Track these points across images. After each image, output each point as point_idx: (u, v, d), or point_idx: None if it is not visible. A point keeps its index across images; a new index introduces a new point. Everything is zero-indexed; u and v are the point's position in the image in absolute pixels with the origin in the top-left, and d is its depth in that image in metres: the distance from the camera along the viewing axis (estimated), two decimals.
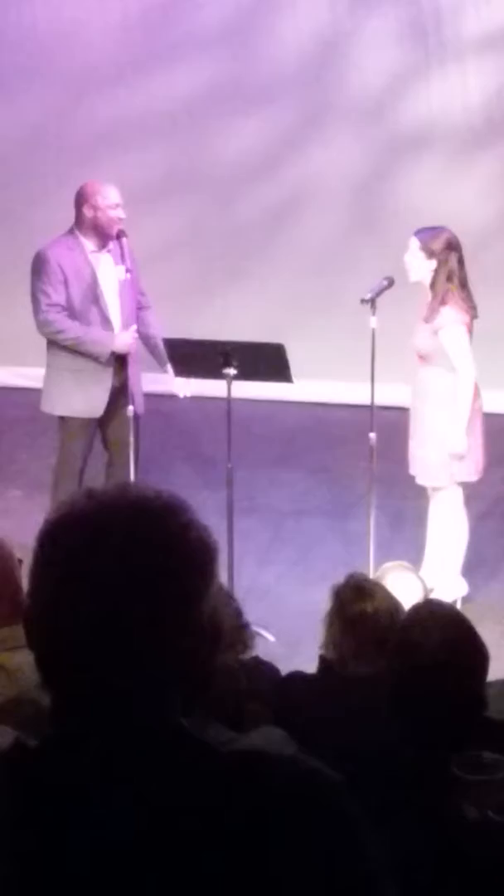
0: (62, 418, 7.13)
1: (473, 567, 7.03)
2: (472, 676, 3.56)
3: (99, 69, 9.98)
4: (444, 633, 3.58)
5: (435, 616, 3.68)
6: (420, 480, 6.92)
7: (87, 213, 6.93)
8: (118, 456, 7.09)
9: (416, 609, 3.89)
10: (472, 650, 3.61)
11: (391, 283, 6.78)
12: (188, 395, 7.13)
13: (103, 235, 6.95)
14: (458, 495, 6.87)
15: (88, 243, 6.97)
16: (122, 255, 6.93)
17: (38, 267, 6.96)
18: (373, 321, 6.65)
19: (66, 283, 6.92)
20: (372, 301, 6.66)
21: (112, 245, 6.97)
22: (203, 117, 9.95)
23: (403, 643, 3.67)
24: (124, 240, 6.93)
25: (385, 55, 9.72)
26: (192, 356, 6.86)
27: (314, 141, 9.90)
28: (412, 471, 6.90)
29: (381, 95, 9.79)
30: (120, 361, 6.95)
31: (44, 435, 8.16)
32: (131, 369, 6.98)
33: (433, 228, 6.74)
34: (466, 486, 6.88)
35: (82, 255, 6.96)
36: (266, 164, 10.01)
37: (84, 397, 7.01)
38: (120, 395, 6.96)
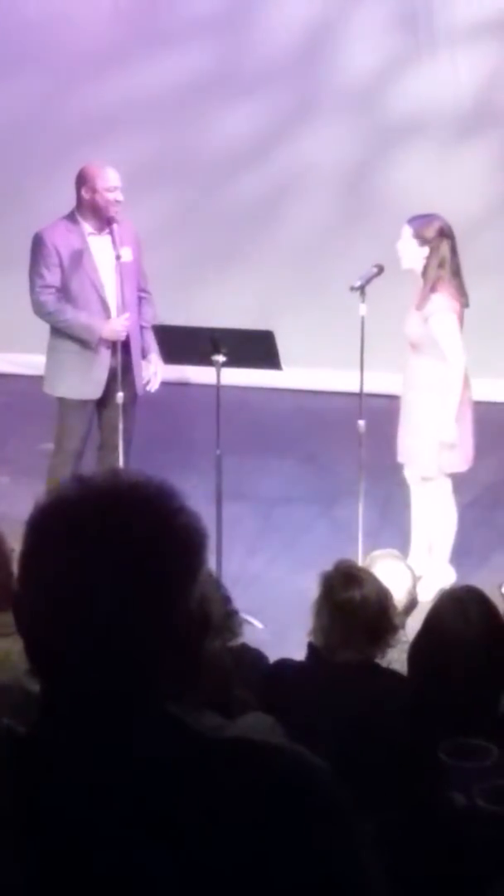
0: (60, 399, 7.17)
1: (461, 555, 7.05)
2: (500, 670, 3.59)
3: (89, 55, 9.95)
4: (484, 623, 3.59)
5: (477, 603, 3.70)
6: (409, 469, 6.94)
7: (86, 195, 6.94)
8: (109, 440, 7.12)
9: (452, 596, 3.90)
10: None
11: (381, 270, 6.78)
12: (152, 390, 7.16)
13: (101, 218, 6.96)
14: (448, 485, 6.89)
15: (87, 226, 6.99)
16: (113, 241, 6.93)
17: (35, 248, 7.01)
18: (362, 309, 6.65)
19: (61, 265, 6.95)
20: (361, 288, 6.66)
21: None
22: (193, 105, 9.92)
23: (436, 629, 3.68)
24: (115, 226, 6.94)
25: (376, 43, 9.70)
26: (182, 343, 6.87)
27: (305, 129, 9.88)
28: (400, 459, 6.91)
29: (372, 84, 9.77)
30: (118, 345, 6.96)
31: (33, 422, 8.15)
32: (133, 353, 7.01)
33: (426, 216, 6.75)
34: (455, 475, 6.90)
35: (80, 237, 6.98)
36: (256, 152, 9.99)
37: (82, 379, 7.04)
38: (116, 378, 6.98)
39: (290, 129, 9.91)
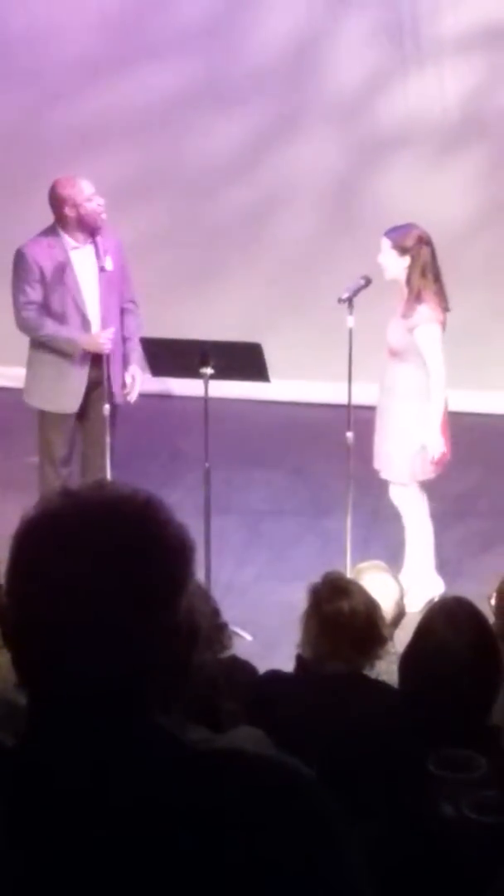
0: (41, 412, 7.18)
1: (444, 565, 7.07)
2: (492, 680, 3.59)
3: (76, 68, 9.95)
4: (473, 634, 3.60)
5: (468, 614, 3.71)
6: (384, 475, 6.97)
7: (70, 213, 6.93)
8: (93, 453, 7.13)
9: (442, 607, 3.91)
10: (496, 654, 3.64)
11: (368, 282, 6.80)
12: (131, 400, 7.16)
13: (89, 230, 6.97)
14: (421, 492, 6.92)
15: (71, 240, 7.00)
16: (97, 252, 6.94)
17: (17, 265, 7.02)
18: (350, 320, 6.68)
19: (43, 281, 6.95)
20: (349, 300, 6.68)
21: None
22: (179, 117, 9.93)
23: (426, 639, 3.68)
24: (98, 238, 6.95)
25: (362, 55, 9.72)
26: (170, 356, 6.87)
27: (292, 140, 9.89)
28: (376, 465, 6.93)
29: (359, 95, 9.79)
30: (103, 358, 6.97)
31: (16, 434, 8.14)
32: (112, 367, 7.01)
33: (402, 226, 6.80)
34: (436, 484, 6.93)
35: (62, 252, 6.99)
36: (243, 164, 10.00)
37: (60, 391, 7.05)
38: (97, 391, 6.99)
39: (276, 141, 9.92)
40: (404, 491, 6.92)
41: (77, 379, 7.00)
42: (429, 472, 6.85)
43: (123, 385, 7.13)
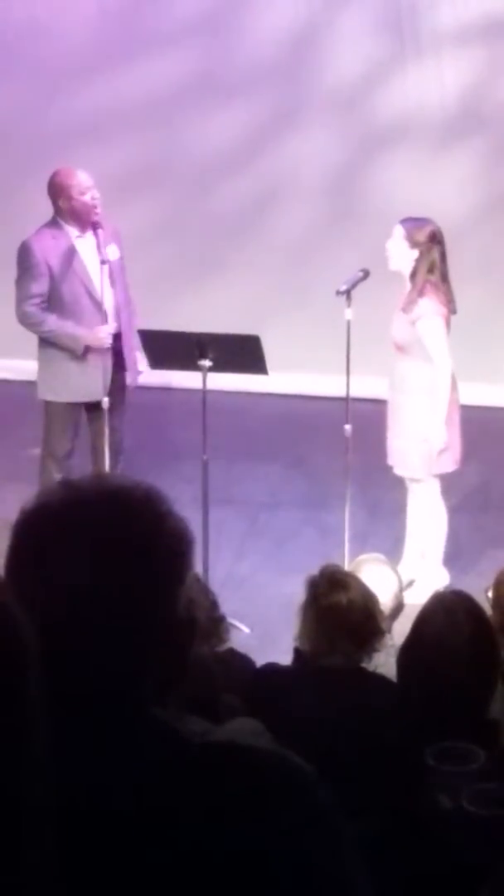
0: (46, 402, 7.17)
1: (450, 559, 7.06)
2: (490, 673, 3.60)
3: (75, 61, 9.94)
4: (471, 627, 3.61)
5: (465, 608, 3.71)
6: (398, 471, 6.96)
7: (64, 205, 6.95)
8: (102, 444, 7.14)
9: (440, 600, 3.91)
10: (494, 647, 3.65)
11: (367, 274, 6.79)
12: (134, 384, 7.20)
13: (84, 222, 6.98)
14: (436, 486, 6.91)
15: (72, 229, 7.00)
16: (98, 245, 6.94)
17: (22, 258, 7.01)
18: (348, 313, 6.67)
19: (50, 273, 6.94)
20: (347, 293, 6.67)
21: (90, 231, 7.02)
22: (179, 109, 9.92)
23: (424, 633, 3.69)
24: (100, 231, 6.95)
25: (361, 48, 9.71)
26: (168, 348, 6.87)
27: (290, 133, 9.89)
28: (390, 461, 6.93)
29: (358, 88, 9.78)
30: (116, 348, 6.98)
31: (17, 425, 8.13)
32: (126, 353, 7.02)
33: (419, 219, 6.77)
34: (443, 477, 6.92)
35: (68, 242, 7.00)
36: (242, 157, 9.99)
37: (86, 381, 7.01)
38: (105, 381, 7.00)
39: (275, 133, 9.91)
40: (418, 486, 6.92)
41: (102, 366, 6.98)
42: (444, 466, 6.83)
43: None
